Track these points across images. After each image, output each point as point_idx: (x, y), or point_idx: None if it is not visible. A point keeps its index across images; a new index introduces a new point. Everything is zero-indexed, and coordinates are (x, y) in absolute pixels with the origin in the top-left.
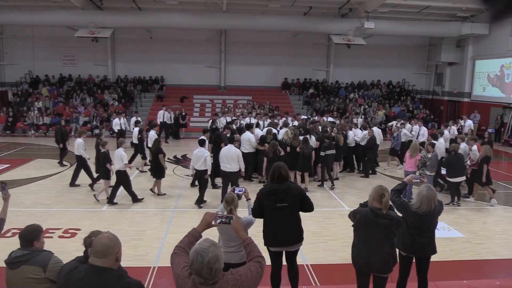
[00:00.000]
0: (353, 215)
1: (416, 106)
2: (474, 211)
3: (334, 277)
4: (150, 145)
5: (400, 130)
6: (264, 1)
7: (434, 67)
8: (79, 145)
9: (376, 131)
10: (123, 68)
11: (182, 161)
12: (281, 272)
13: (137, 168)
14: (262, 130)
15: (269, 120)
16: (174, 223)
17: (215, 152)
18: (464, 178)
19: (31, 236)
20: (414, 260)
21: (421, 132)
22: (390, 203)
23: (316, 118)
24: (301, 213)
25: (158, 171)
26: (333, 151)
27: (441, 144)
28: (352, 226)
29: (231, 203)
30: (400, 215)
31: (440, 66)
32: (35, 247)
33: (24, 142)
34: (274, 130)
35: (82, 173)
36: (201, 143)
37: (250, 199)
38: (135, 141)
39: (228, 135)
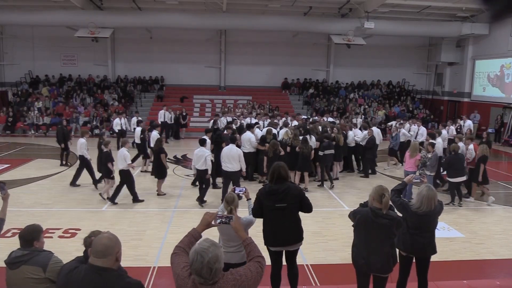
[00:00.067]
0: (353, 215)
1: (416, 106)
2: (474, 211)
3: (334, 277)
4: (152, 145)
5: (398, 130)
6: (264, 1)
7: (434, 67)
8: (81, 145)
9: (376, 131)
10: (123, 68)
11: (182, 161)
12: (281, 272)
13: (142, 171)
14: (261, 131)
15: (268, 120)
16: (174, 223)
17: (216, 152)
18: (464, 178)
19: (31, 236)
20: (414, 260)
21: (420, 131)
22: (390, 203)
23: (316, 118)
24: (300, 213)
25: (160, 171)
26: (332, 151)
27: (439, 144)
28: (352, 226)
29: (231, 203)
30: (400, 215)
31: (440, 66)
32: (35, 247)
33: (24, 142)
34: (274, 130)
35: (84, 173)
36: (202, 142)
37: (250, 199)
38: (137, 140)
39: (230, 135)
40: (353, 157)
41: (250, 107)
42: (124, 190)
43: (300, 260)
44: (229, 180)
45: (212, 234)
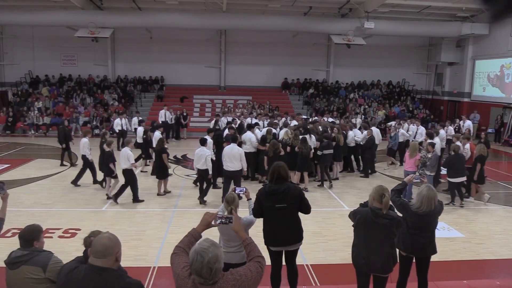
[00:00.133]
0: (353, 215)
1: (416, 106)
2: (474, 211)
3: (334, 277)
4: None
5: (397, 130)
6: (264, 1)
7: (434, 67)
8: (84, 145)
9: (375, 131)
10: (123, 68)
11: (182, 161)
12: (281, 272)
13: (142, 171)
14: (261, 131)
15: (268, 120)
16: (174, 223)
17: (218, 152)
18: (464, 178)
19: (31, 236)
20: (414, 260)
21: (419, 131)
22: (390, 203)
23: (316, 118)
24: (300, 214)
25: (161, 171)
26: (331, 151)
27: (437, 144)
28: (352, 226)
29: (231, 203)
30: (400, 215)
31: (440, 66)
32: (35, 247)
33: (24, 142)
34: (274, 130)
35: (86, 173)
36: (202, 142)
37: (251, 199)
38: (140, 140)
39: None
40: (352, 157)
41: (250, 107)
42: (127, 189)
43: (300, 260)
44: (230, 180)
45: (212, 234)
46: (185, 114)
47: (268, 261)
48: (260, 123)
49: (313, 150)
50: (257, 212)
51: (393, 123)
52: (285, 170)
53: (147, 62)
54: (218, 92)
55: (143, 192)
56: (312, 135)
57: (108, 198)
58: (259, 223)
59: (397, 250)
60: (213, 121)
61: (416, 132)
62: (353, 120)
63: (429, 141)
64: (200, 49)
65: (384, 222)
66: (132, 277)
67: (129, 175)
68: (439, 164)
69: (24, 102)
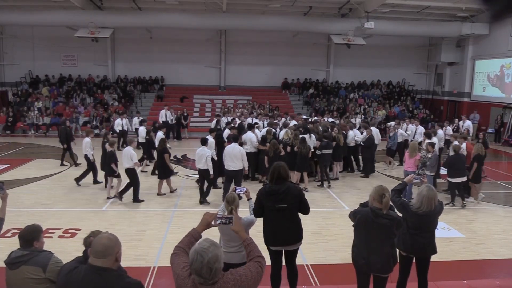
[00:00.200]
0: (353, 215)
1: (416, 106)
2: (474, 211)
3: (334, 277)
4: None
5: (396, 130)
6: (264, 1)
7: (434, 67)
8: (86, 144)
9: (375, 131)
10: (123, 68)
11: (182, 161)
12: (281, 271)
13: (142, 170)
14: (261, 131)
15: (268, 120)
16: (174, 223)
17: (219, 152)
18: (465, 178)
19: (31, 236)
20: (414, 260)
21: (418, 131)
22: (391, 203)
23: (315, 118)
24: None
25: (163, 171)
26: (330, 151)
27: (435, 144)
28: (353, 226)
29: (232, 203)
30: (401, 215)
31: (440, 66)
32: (35, 247)
33: (24, 142)
34: (274, 130)
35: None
36: (203, 142)
37: (251, 198)
38: (141, 140)
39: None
40: (352, 157)
41: (250, 107)
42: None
43: (300, 260)
44: (232, 179)
45: (212, 234)
46: (185, 114)
47: (268, 261)
48: (260, 123)
49: (312, 150)
50: (257, 212)
51: (392, 123)
52: (285, 170)
53: (147, 62)
54: (218, 92)
55: (143, 192)
56: (312, 135)
57: (108, 198)
58: (259, 223)
59: (397, 250)
60: (214, 121)
61: (415, 132)
62: (353, 120)
63: (428, 141)
64: (200, 49)
65: (384, 222)
66: (132, 277)
67: (131, 174)
68: (438, 164)
69: (24, 102)
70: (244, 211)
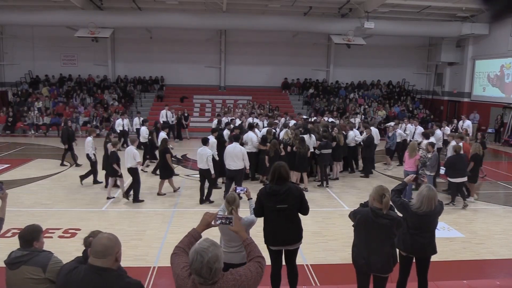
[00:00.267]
0: (353, 215)
1: (416, 106)
2: (474, 211)
3: (334, 277)
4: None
5: (395, 130)
6: (264, 1)
7: (434, 67)
8: (88, 144)
9: (374, 131)
10: (123, 68)
11: (182, 161)
12: (281, 271)
13: (142, 170)
14: (260, 131)
15: (267, 120)
16: (174, 223)
17: (220, 152)
18: (465, 179)
19: (30, 236)
20: (414, 260)
21: (417, 131)
22: (391, 203)
23: (315, 118)
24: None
25: (164, 171)
26: (329, 151)
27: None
28: (353, 226)
29: (232, 203)
30: (401, 215)
31: (440, 66)
32: (34, 247)
33: (24, 142)
34: (274, 130)
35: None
36: (204, 142)
37: (251, 198)
38: (143, 140)
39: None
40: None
41: (250, 107)
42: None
43: (300, 260)
44: (233, 179)
45: (212, 234)
46: (186, 114)
47: (268, 261)
48: (260, 123)
49: (311, 150)
50: (257, 212)
51: (391, 123)
52: (286, 170)
53: (147, 62)
54: (218, 92)
55: (144, 192)
56: (312, 135)
57: (108, 198)
58: (259, 223)
59: (397, 250)
60: (215, 121)
61: (414, 132)
62: (352, 120)
63: (426, 141)
64: (200, 49)
65: (384, 222)
66: (132, 277)
67: (134, 174)
68: (438, 164)
69: (24, 102)
70: (245, 211)
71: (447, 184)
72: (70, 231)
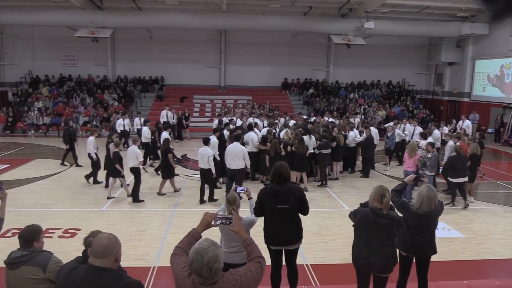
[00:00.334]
0: (353, 215)
1: (416, 106)
2: (474, 211)
3: (334, 277)
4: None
5: (393, 130)
6: (264, 1)
7: (434, 67)
8: (90, 143)
9: (374, 131)
10: (123, 68)
11: (182, 161)
12: (281, 271)
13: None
14: (260, 131)
15: (267, 120)
16: (174, 223)
17: (221, 151)
18: (466, 179)
19: (30, 236)
20: (414, 260)
21: (416, 131)
22: (391, 203)
23: (314, 118)
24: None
25: (166, 171)
26: (329, 151)
27: None
28: (353, 226)
29: (233, 203)
30: (401, 215)
31: (440, 66)
32: (34, 247)
33: (24, 142)
34: (274, 131)
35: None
36: (205, 142)
37: (252, 198)
38: (144, 140)
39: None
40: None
41: (250, 107)
42: (129, 188)
43: (300, 260)
44: (233, 179)
45: (213, 234)
46: (187, 114)
47: (268, 261)
48: (260, 123)
49: (311, 151)
50: (257, 211)
51: (391, 123)
52: (287, 170)
53: (147, 62)
54: (218, 92)
55: (144, 192)
56: (312, 136)
57: (108, 198)
58: (259, 223)
59: (397, 250)
60: (216, 121)
61: (413, 133)
62: (352, 120)
63: (423, 141)
64: (200, 49)
65: (384, 222)
66: (132, 277)
67: (136, 173)
68: (438, 164)
69: (24, 102)
70: (245, 211)
71: (447, 184)
72: (70, 231)
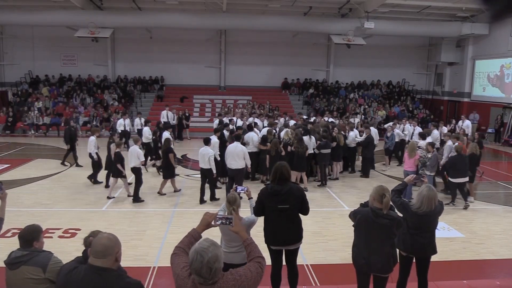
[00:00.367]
0: (353, 215)
1: (416, 106)
2: (474, 211)
3: (334, 277)
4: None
5: (393, 130)
6: (264, 1)
7: (434, 67)
8: (91, 143)
9: (373, 131)
10: (123, 68)
11: (182, 161)
12: (281, 271)
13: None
14: (260, 131)
15: (267, 121)
16: (174, 223)
17: (221, 151)
18: (466, 179)
19: (30, 236)
20: (414, 260)
21: (415, 131)
22: (391, 203)
23: (314, 118)
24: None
25: (167, 171)
26: (328, 150)
27: None
28: (353, 226)
29: (233, 203)
30: (401, 215)
31: (440, 66)
32: (34, 247)
33: (24, 142)
34: (274, 131)
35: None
36: (206, 142)
37: (252, 198)
38: (145, 140)
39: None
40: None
41: (250, 107)
42: (130, 188)
43: (300, 260)
44: (233, 178)
45: (213, 234)
46: (187, 114)
47: (268, 261)
48: (260, 123)
49: (310, 151)
50: (258, 211)
51: (390, 124)
52: (287, 170)
53: (147, 62)
54: (218, 92)
55: (144, 192)
56: (312, 136)
57: (109, 198)
58: (259, 222)
59: (397, 250)
60: (216, 121)
61: (413, 133)
62: (352, 120)
63: (422, 141)
64: (200, 49)
65: (384, 222)
66: (132, 277)
67: (137, 173)
68: (438, 164)
69: (24, 102)
70: (246, 211)
71: (445, 184)
72: (70, 231)
